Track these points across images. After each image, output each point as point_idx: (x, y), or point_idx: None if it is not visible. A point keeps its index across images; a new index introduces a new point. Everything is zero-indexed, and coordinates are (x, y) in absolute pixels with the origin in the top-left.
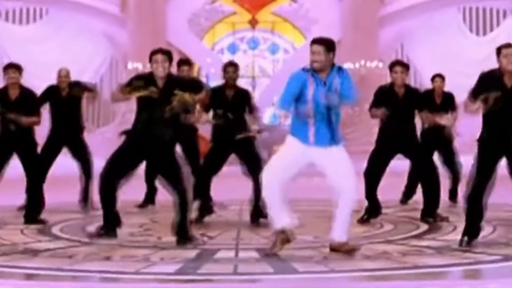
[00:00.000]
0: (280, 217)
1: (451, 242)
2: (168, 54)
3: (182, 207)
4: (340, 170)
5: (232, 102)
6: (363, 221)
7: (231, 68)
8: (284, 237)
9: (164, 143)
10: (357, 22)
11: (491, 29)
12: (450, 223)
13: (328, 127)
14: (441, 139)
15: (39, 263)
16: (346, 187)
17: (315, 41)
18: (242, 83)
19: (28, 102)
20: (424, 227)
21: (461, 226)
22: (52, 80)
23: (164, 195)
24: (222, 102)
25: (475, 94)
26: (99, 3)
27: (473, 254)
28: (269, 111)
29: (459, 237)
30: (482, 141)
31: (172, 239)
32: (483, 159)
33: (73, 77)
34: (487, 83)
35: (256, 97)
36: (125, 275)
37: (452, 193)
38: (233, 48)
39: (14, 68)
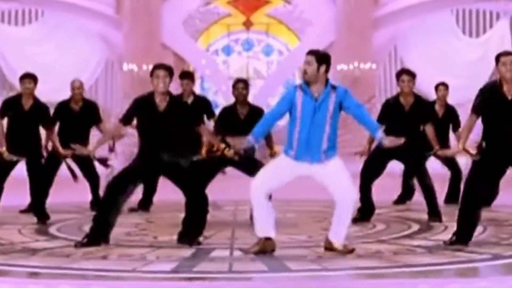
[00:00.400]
0: (267, 226)
1: (442, 242)
2: (169, 70)
3: (198, 211)
4: (337, 182)
5: (245, 120)
6: (356, 221)
7: (240, 84)
8: (270, 243)
9: (178, 166)
10: (351, 24)
11: (484, 31)
12: (442, 223)
13: (317, 145)
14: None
15: (37, 262)
16: (345, 196)
17: (308, 52)
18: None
19: (41, 114)
20: (415, 227)
21: (453, 226)
22: (48, 82)
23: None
24: (235, 120)
25: (476, 109)
26: (94, 5)
27: (464, 253)
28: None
29: (449, 237)
30: (484, 154)
31: (168, 238)
32: (484, 172)
33: (70, 78)
34: (488, 96)
35: (251, 98)
36: (122, 273)
37: (453, 194)
38: (227, 50)
39: (30, 78)
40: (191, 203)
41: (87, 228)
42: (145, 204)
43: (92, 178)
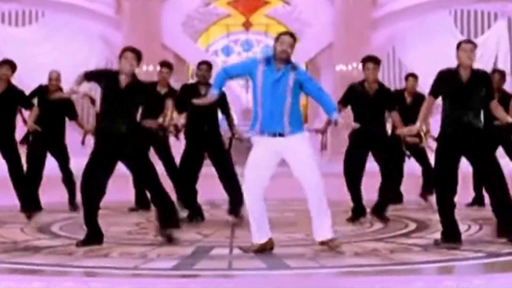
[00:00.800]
0: (264, 231)
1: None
2: (138, 54)
3: (161, 208)
4: (299, 163)
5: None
6: (351, 220)
7: (204, 66)
8: (269, 242)
9: (123, 136)
10: (349, 25)
11: (482, 32)
12: (438, 222)
13: (279, 114)
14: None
15: (40, 260)
16: (312, 183)
17: (288, 33)
18: (236, 85)
19: (16, 97)
20: (412, 225)
21: None
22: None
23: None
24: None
25: (434, 92)
26: (94, 6)
27: (459, 251)
28: None
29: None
30: (441, 140)
31: None
32: (443, 159)
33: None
34: (445, 79)
35: (249, 98)
36: (124, 271)
37: (426, 188)
38: (227, 50)
39: (8, 65)
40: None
41: None
42: (146, 203)
43: (68, 175)
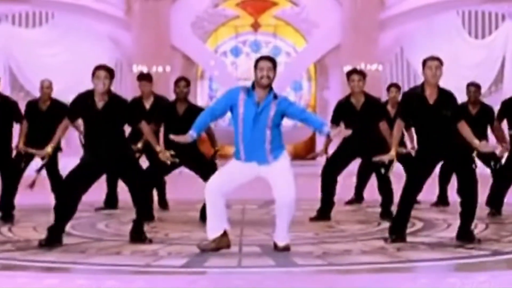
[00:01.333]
0: (219, 225)
1: (445, 239)
2: (110, 72)
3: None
4: (278, 180)
5: (183, 117)
6: (314, 219)
7: (182, 82)
8: (225, 240)
9: (116, 158)
10: (357, 26)
11: (490, 33)
12: (444, 221)
13: (261, 145)
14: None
15: (53, 257)
16: (284, 193)
17: (265, 58)
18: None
19: (8, 109)
20: (419, 224)
21: (456, 224)
22: (58, 83)
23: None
24: (173, 116)
25: (401, 115)
26: (104, 7)
27: (465, 249)
28: None
29: (452, 234)
30: (416, 156)
31: (178, 235)
32: (416, 171)
33: (80, 79)
34: (410, 101)
35: None
36: (136, 268)
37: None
38: (235, 51)
39: None
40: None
41: (100, 226)
42: (161, 204)
43: (55, 179)
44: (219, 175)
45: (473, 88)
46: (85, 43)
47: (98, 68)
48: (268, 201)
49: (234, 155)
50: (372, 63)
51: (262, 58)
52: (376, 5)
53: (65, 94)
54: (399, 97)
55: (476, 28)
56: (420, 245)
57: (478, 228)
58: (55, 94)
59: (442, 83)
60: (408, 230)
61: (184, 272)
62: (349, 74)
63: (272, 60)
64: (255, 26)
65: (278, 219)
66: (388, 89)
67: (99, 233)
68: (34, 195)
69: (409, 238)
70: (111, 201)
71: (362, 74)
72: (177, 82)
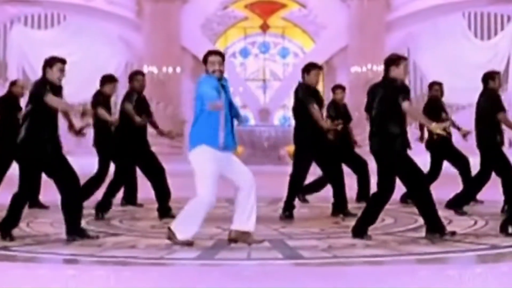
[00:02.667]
0: (193, 229)
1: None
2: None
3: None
4: (237, 167)
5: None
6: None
7: (140, 76)
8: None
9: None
10: (364, 27)
11: (495, 34)
12: (446, 218)
13: (231, 132)
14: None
15: (72, 251)
16: (247, 177)
17: (214, 52)
18: (253, 86)
19: None
20: (421, 221)
21: (458, 219)
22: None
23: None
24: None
25: (366, 109)
26: (115, 9)
27: (463, 243)
28: (279, 113)
29: (452, 229)
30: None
31: None
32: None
33: (91, 79)
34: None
35: (267, 99)
36: (151, 260)
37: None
38: (245, 52)
39: None
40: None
41: (114, 221)
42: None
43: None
44: (211, 186)
45: (436, 86)
46: (96, 44)
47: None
48: (276, 198)
49: (212, 144)
50: (379, 64)
51: (211, 52)
52: (382, 7)
53: (77, 94)
54: (344, 99)
55: (481, 30)
56: (421, 240)
57: (477, 224)
58: (67, 94)
59: (448, 84)
60: (410, 226)
61: (196, 264)
62: (334, 88)
63: (220, 54)
64: (264, 28)
65: (243, 206)
66: (334, 90)
67: (114, 229)
68: (50, 193)
69: (410, 234)
70: (130, 198)
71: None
72: (136, 76)
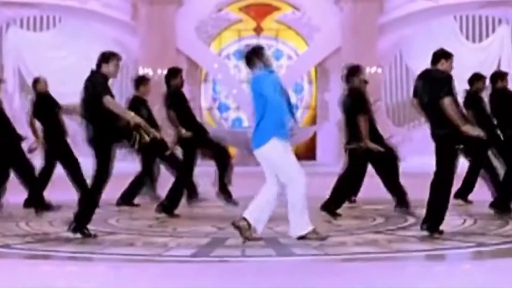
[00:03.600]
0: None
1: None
2: None
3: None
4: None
5: None
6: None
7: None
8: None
9: None
10: (357, 30)
11: (486, 36)
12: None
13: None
14: None
15: (73, 248)
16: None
17: None
18: (247, 88)
19: None
20: (412, 220)
21: (454, 219)
22: (66, 85)
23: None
24: None
25: None
26: (111, 12)
27: (451, 241)
28: None
29: (443, 228)
30: None
31: (186, 229)
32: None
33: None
34: None
35: None
36: (149, 257)
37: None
38: (238, 54)
39: None
40: None
41: (111, 221)
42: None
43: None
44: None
45: None
46: (92, 46)
47: None
48: None
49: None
50: (372, 66)
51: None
52: (375, 10)
53: (72, 95)
54: None
55: (473, 32)
56: (410, 238)
57: (466, 223)
58: (63, 96)
59: None
60: (400, 225)
61: (193, 261)
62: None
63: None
64: (258, 30)
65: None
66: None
67: (111, 228)
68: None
69: (400, 232)
70: (128, 198)
71: None
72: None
